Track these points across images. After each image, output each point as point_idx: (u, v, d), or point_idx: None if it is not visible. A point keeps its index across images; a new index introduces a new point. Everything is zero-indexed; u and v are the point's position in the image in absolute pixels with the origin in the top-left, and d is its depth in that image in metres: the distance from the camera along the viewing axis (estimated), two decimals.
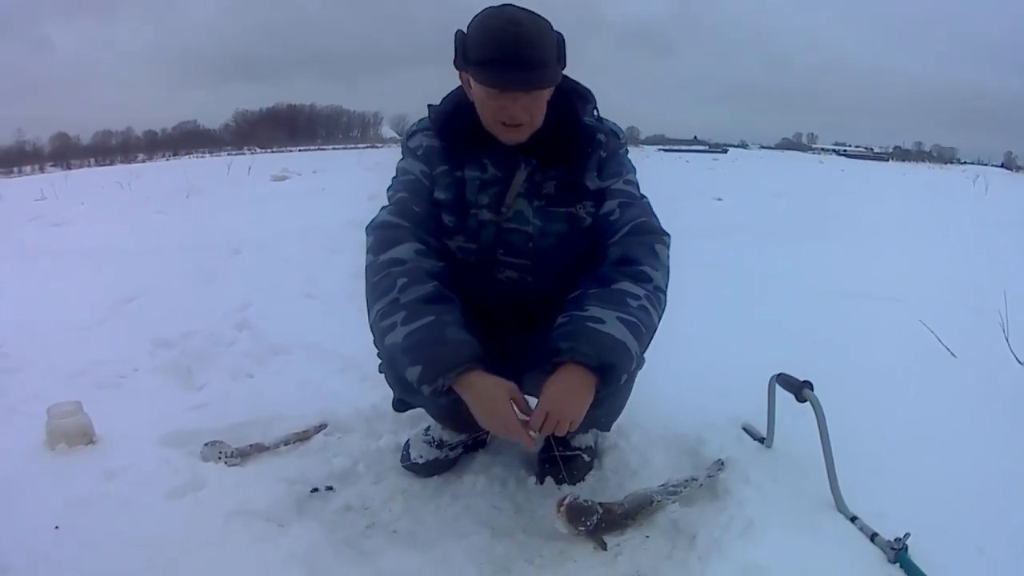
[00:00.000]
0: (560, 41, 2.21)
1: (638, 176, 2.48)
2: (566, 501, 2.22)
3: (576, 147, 2.35)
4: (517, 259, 2.40)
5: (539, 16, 2.16)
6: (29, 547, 2.08)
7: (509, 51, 2.09)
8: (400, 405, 2.61)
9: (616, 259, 2.26)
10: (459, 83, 2.36)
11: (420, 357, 2.08)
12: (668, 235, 2.35)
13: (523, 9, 2.14)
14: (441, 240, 2.37)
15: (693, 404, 2.93)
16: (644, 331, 2.14)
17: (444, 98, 2.44)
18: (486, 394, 2.09)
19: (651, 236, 2.32)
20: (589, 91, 2.44)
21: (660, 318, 2.22)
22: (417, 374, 2.08)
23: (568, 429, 2.08)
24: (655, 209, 2.42)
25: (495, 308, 2.45)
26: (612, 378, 2.10)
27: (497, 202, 2.35)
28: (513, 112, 2.19)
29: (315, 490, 2.52)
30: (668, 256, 2.31)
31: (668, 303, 2.26)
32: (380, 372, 2.50)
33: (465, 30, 2.19)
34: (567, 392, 2.07)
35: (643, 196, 2.44)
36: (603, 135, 2.40)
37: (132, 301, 4.86)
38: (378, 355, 2.41)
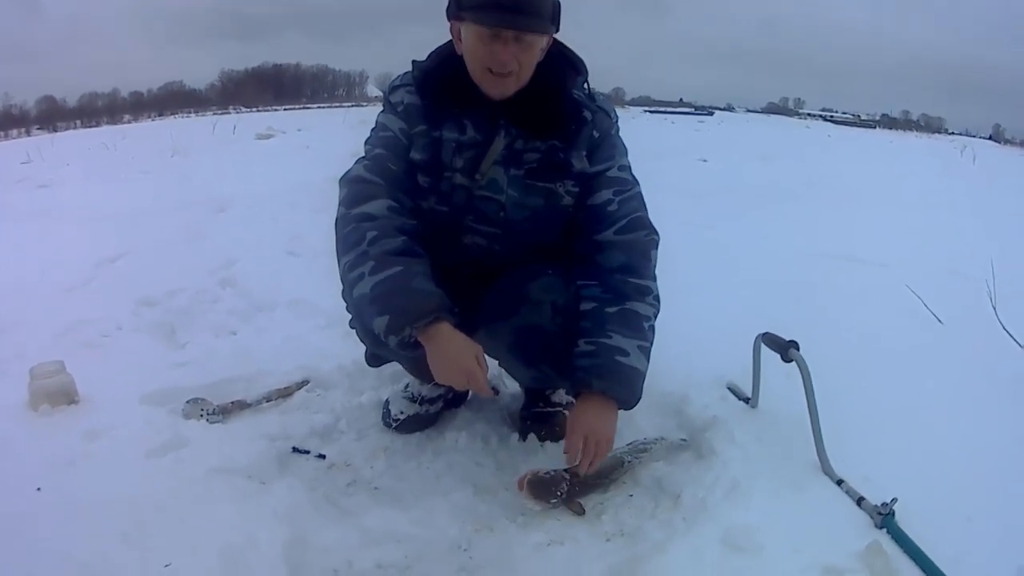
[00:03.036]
0: (556, 4, 2.19)
1: (627, 152, 2.47)
2: (527, 479, 2.21)
3: (560, 120, 2.32)
4: (486, 227, 2.39)
5: None
6: (12, 510, 2.06)
7: None
8: (374, 360, 2.64)
9: (618, 266, 2.32)
10: (447, 40, 2.33)
11: (387, 307, 2.08)
12: (657, 233, 2.41)
13: None
14: (415, 200, 2.34)
15: (677, 363, 2.92)
16: (651, 349, 2.29)
17: (430, 53, 2.39)
18: (452, 347, 2.10)
19: (645, 238, 2.37)
20: (582, 61, 2.39)
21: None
22: (384, 324, 2.08)
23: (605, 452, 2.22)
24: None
25: (457, 268, 2.42)
26: (631, 407, 2.27)
27: (472, 167, 2.33)
28: (503, 58, 2.16)
29: (305, 452, 2.53)
30: (657, 257, 2.39)
31: None
32: (351, 327, 2.51)
33: None
34: (599, 418, 2.21)
35: (637, 184, 2.44)
36: (590, 112, 2.36)
37: (117, 261, 4.82)
38: (347, 308, 2.42)
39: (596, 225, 2.35)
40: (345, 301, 2.39)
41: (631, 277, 2.30)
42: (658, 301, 2.34)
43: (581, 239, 2.39)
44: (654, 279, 2.35)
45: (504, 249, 2.41)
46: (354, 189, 2.28)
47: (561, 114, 2.32)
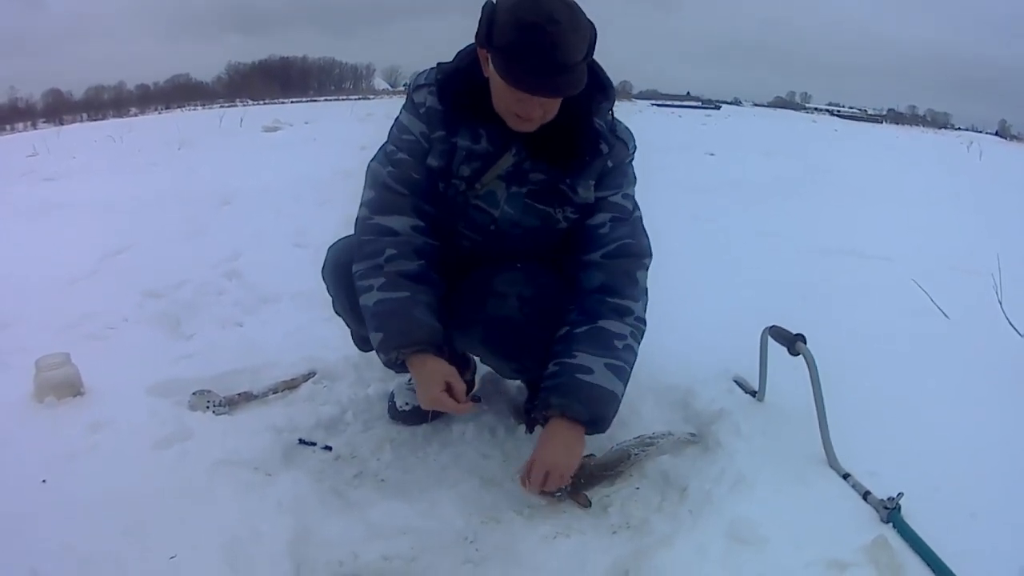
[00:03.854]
0: (592, 34, 2.03)
1: (636, 181, 2.43)
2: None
3: (577, 152, 2.26)
4: (475, 235, 2.39)
5: (576, 8, 1.99)
6: (16, 502, 2.07)
7: (541, 54, 1.93)
8: (362, 343, 2.68)
9: (598, 286, 2.29)
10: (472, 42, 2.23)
11: (384, 326, 2.20)
12: (650, 257, 2.38)
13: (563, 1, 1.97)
14: (434, 206, 2.34)
15: (683, 356, 2.93)
16: (628, 369, 2.25)
17: (459, 53, 2.30)
18: (423, 377, 2.20)
19: (633, 260, 2.33)
20: (611, 84, 2.29)
21: (640, 343, 2.31)
22: (378, 340, 2.21)
23: (560, 483, 2.18)
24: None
25: (453, 262, 2.40)
26: (601, 427, 2.22)
27: (475, 177, 2.30)
28: (530, 109, 2.08)
29: (311, 444, 2.54)
30: (647, 278, 2.36)
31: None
32: (336, 312, 2.61)
33: (495, 2, 2.02)
34: (561, 449, 2.17)
35: (636, 210, 2.39)
36: (607, 145, 2.29)
37: (122, 253, 4.83)
38: (327, 290, 2.56)
39: (586, 246, 2.33)
40: (325, 282, 2.53)
41: (609, 297, 2.27)
42: (640, 322, 2.30)
43: (570, 258, 2.38)
44: (637, 300, 2.30)
45: (489, 254, 2.40)
46: (382, 196, 2.31)
47: (580, 146, 2.26)
